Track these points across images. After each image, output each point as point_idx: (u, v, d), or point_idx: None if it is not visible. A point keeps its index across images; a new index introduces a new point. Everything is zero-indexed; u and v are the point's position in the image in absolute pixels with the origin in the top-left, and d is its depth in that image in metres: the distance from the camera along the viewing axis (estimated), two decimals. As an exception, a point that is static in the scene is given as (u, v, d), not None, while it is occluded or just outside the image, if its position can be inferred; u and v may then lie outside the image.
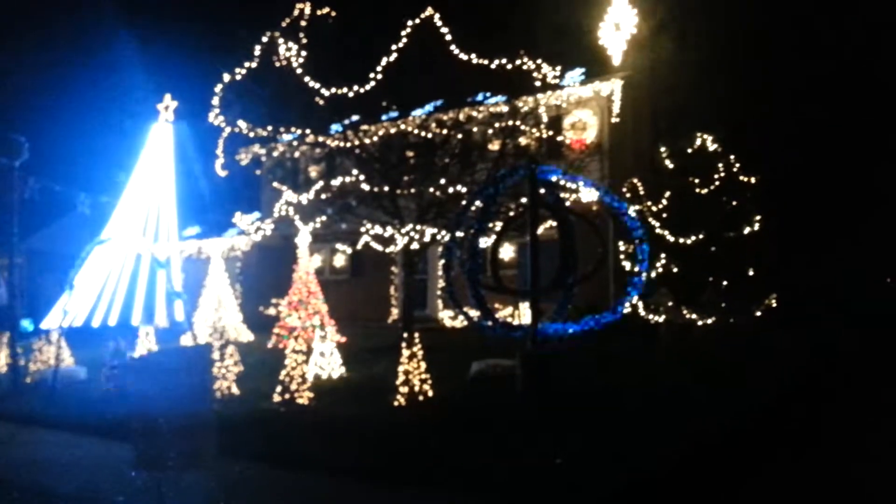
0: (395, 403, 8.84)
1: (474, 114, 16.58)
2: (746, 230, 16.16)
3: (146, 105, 22.32)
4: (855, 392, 9.61)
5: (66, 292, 12.08)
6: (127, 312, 19.13)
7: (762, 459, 6.53)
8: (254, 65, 16.53)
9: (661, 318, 15.23)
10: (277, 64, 16.01)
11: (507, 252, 18.95)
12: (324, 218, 16.56)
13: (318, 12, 16.25)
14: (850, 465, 6.35)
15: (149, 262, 18.30)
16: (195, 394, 6.24)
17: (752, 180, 16.73)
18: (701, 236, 15.96)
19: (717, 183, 16.57)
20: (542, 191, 10.09)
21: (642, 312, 15.15)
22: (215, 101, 16.72)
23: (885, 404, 8.80)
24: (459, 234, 10.41)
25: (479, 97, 16.97)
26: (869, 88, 25.09)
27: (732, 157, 16.76)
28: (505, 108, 16.13)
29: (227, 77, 16.48)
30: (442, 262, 10.65)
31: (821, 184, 22.49)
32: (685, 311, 15.03)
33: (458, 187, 14.91)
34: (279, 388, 9.06)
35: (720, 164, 16.67)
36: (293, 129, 16.25)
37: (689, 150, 17.01)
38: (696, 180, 16.61)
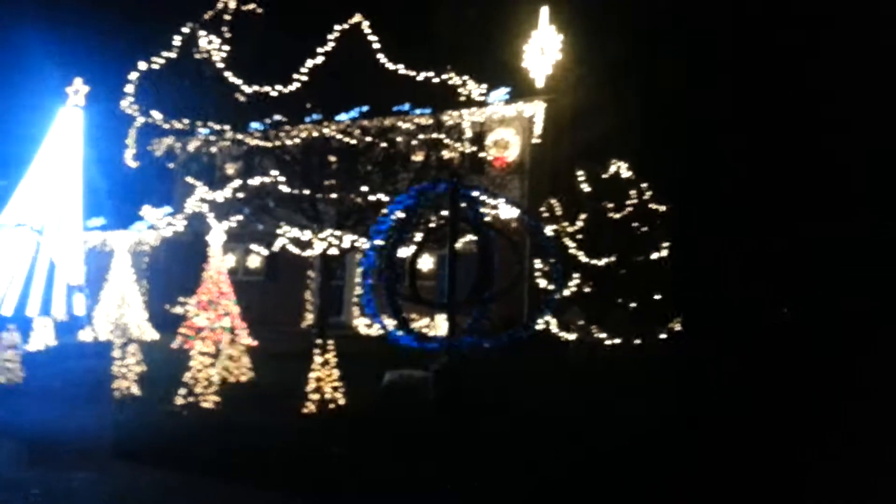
0: (305, 410, 8.68)
1: (399, 123, 16.61)
2: (655, 255, 16.79)
3: (55, 87, 21.22)
4: (741, 414, 10.14)
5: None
6: (23, 303, 18.01)
7: (658, 470, 6.78)
8: (173, 55, 16.05)
9: (572, 337, 15.60)
10: (198, 56, 15.60)
11: (426, 263, 19.02)
12: (240, 217, 16.16)
13: (244, 8, 15.97)
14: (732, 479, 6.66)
15: (49, 251, 17.34)
16: (92, 392, 5.97)
17: (662, 208, 17.40)
18: (612, 259, 16.48)
19: (629, 208, 17.14)
20: (463, 205, 10.19)
21: (554, 330, 15.48)
22: (130, 88, 16.12)
23: (762, 427, 9.30)
24: (379, 242, 10.37)
25: (405, 108, 17.02)
26: (781, 120, 26.61)
27: (644, 184, 17.40)
28: (430, 121, 16.24)
29: (143, 65, 15.92)
30: (360, 269, 10.57)
31: (728, 215, 23.67)
32: (594, 331, 15.45)
33: (380, 195, 14.87)
34: (183, 391, 8.73)
35: (633, 191, 17.27)
36: (211, 124, 15.84)
37: (605, 176, 17.53)
38: (610, 205, 17.14)
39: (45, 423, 5.34)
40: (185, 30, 15.90)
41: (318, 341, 9.15)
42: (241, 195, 15.81)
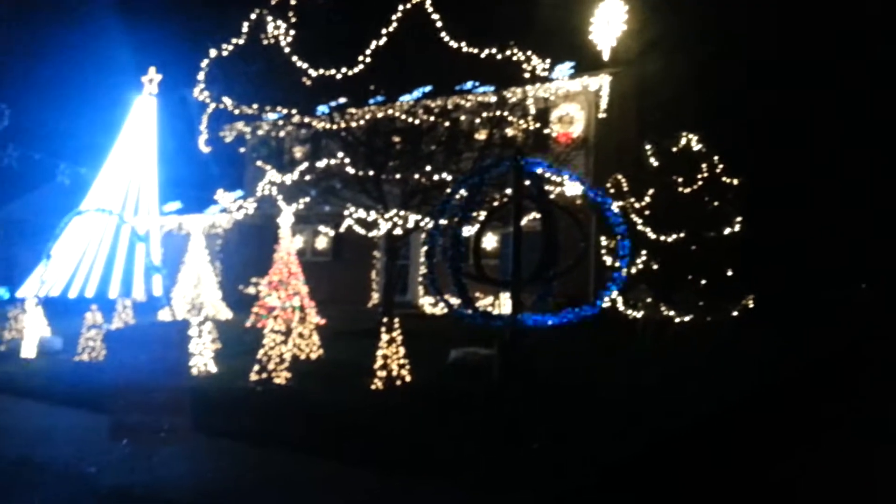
0: (373, 387, 8.86)
1: (462, 102, 16.57)
2: (727, 231, 16.32)
3: (131, 76, 22.02)
4: (816, 391, 9.81)
5: (44, 262, 11.94)
6: (104, 284, 18.93)
7: (729, 450, 6.65)
8: (241, 41, 16.38)
9: (640, 314, 15.37)
10: (265, 42, 15.87)
11: (490, 242, 19.01)
12: (307, 199, 16.49)
13: (308, -8, 16.13)
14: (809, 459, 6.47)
15: (128, 234, 18.11)
16: (172, 369, 6.21)
17: (735, 182, 16.87)
18: (682, 235, 16.11)
19: (699, 183, 16.69)
20: (527, 182, 10.10)
21: (621, 307, 15.28)
22: (201, 76, 16.56)
23: (840, 407, 8.98)
24: (443, 221, 10.41)
25: (468, 86, 16.94)
26: (853, 95, 25.44)
27: (716, 157, 16.89)
28: (493, 98, 16.12)
29: (213, 52, 16.31)
30: (424, 248, 10.66)
31: (801, 188, 22.80)
32: (663, 308, 15.17)
33: (444, 175, 14.91)
34: (256, 367, 9.04)
35: (704, 165, 16.79)
36: (279, 109, 16.14)
37: (674, 149, 17.11)
38: (680, 179, 16.73)
39: (126, 398, 5.60)
40: (253, 16, 16.20)
41: (384, 320, 9.30)
42: (308, 178, 16.11)
